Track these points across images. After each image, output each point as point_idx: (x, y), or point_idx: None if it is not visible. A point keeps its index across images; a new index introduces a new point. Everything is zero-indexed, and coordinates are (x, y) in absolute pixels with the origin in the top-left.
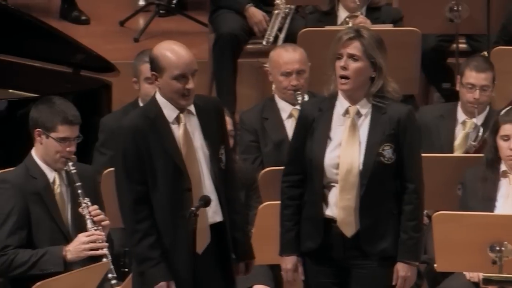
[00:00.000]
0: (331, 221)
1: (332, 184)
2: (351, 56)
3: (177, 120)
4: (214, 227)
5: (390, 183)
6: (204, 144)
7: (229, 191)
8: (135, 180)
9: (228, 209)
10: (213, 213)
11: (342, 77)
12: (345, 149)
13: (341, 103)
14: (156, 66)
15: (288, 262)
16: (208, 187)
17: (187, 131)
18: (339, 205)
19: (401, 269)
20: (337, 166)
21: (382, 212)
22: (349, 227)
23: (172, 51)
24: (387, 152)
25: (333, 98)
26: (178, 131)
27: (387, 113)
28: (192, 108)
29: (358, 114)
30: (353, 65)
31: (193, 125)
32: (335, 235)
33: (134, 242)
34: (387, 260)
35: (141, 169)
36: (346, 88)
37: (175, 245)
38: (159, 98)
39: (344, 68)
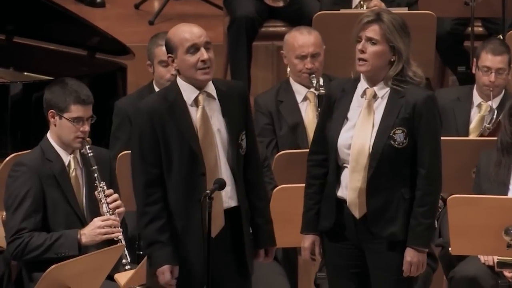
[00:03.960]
0: (343, 201)
1: (345, 165)
2: (369, 40)
3: (196, 102)
4: (229, 212)
5: (403, 168)
6: (223, 129)
7: (252, 176)
8: (149, 162)
9: (251, 195)
10: (228, 198)
11: (360, 59)
12: (358, 130)
13: (362, 85)
14: (170, 47)
15: (306, 241)
16: (224, 172)
17: (205, 114)
18: (349, 186)
19: (408, 254)
20: (349, 147)
21: (392, 196)
22: (358, 209)
23: (181, 28)
24: (399, 136)
25: (357, 80)
26: (196, 114)
27: (404, 97)
28: (213, 92)
29: (375, 96)
30: (371, 49)
31: (213, 108)
32: (347, 216)
33: (142, 224)
34: (398, 245)
35: (156, 151)
36: (362, 70)
37: (187, 229)
38: (180, 81)
39: (362, 51)
